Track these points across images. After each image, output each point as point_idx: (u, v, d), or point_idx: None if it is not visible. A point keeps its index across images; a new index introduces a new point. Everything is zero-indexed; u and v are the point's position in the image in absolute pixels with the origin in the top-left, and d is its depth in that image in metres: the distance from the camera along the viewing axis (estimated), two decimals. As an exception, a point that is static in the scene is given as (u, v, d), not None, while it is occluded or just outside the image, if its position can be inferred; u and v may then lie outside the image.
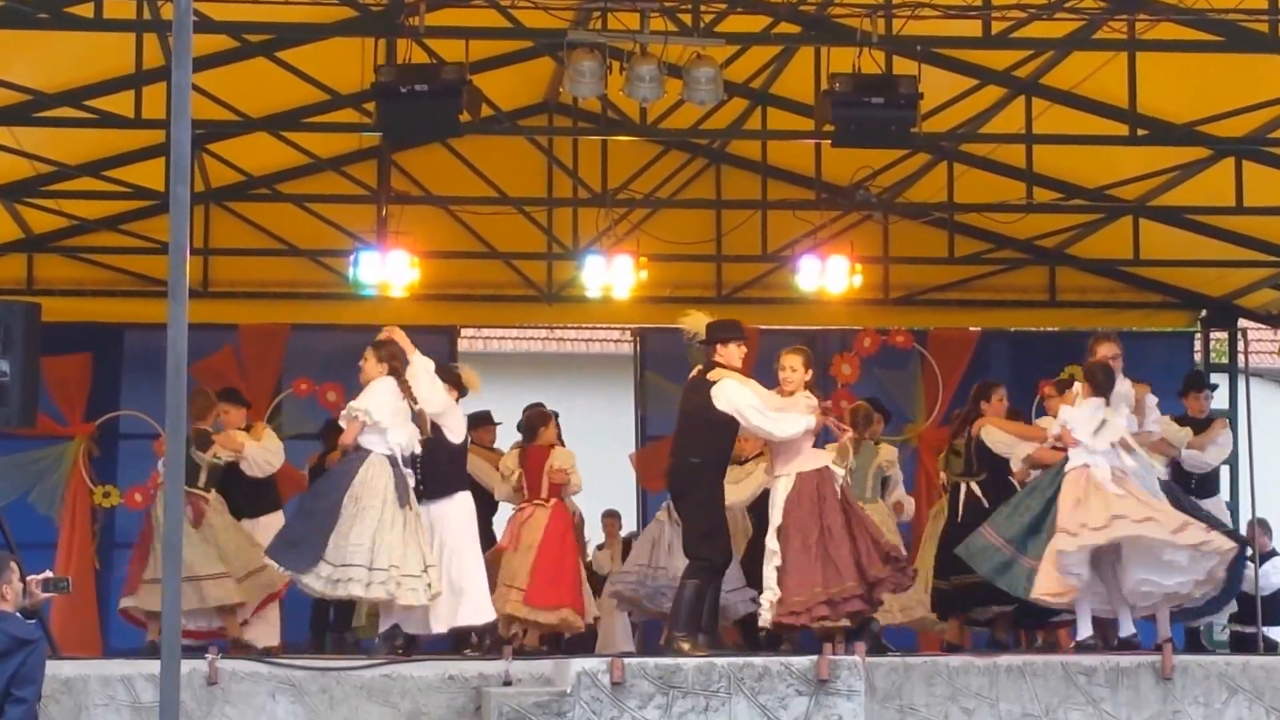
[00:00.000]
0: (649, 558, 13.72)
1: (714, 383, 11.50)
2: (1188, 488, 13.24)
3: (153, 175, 14.60)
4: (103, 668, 10.75)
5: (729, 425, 11.48)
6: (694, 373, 11.77)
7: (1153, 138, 13.91)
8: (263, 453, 13.31)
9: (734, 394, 11.44)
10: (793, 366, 11.70)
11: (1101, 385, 12.09)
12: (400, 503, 11.44)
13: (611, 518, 17.32)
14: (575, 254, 16.11)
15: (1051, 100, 13.97)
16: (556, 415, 13.91)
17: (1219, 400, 14.98)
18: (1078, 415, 12.01)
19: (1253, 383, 18.00)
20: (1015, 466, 13.15)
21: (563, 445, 13.72)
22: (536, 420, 13.70)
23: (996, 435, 13.17)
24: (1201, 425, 13.93)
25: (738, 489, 12.84)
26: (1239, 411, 16.77)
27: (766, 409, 11.48)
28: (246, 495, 13.37)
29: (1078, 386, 12.29)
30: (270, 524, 13.12)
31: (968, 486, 13.32)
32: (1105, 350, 12.44)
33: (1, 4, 11.73)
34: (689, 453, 11.56)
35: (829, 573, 11.29)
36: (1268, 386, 23.91)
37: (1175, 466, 13.53)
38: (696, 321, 11.74)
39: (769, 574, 11.38)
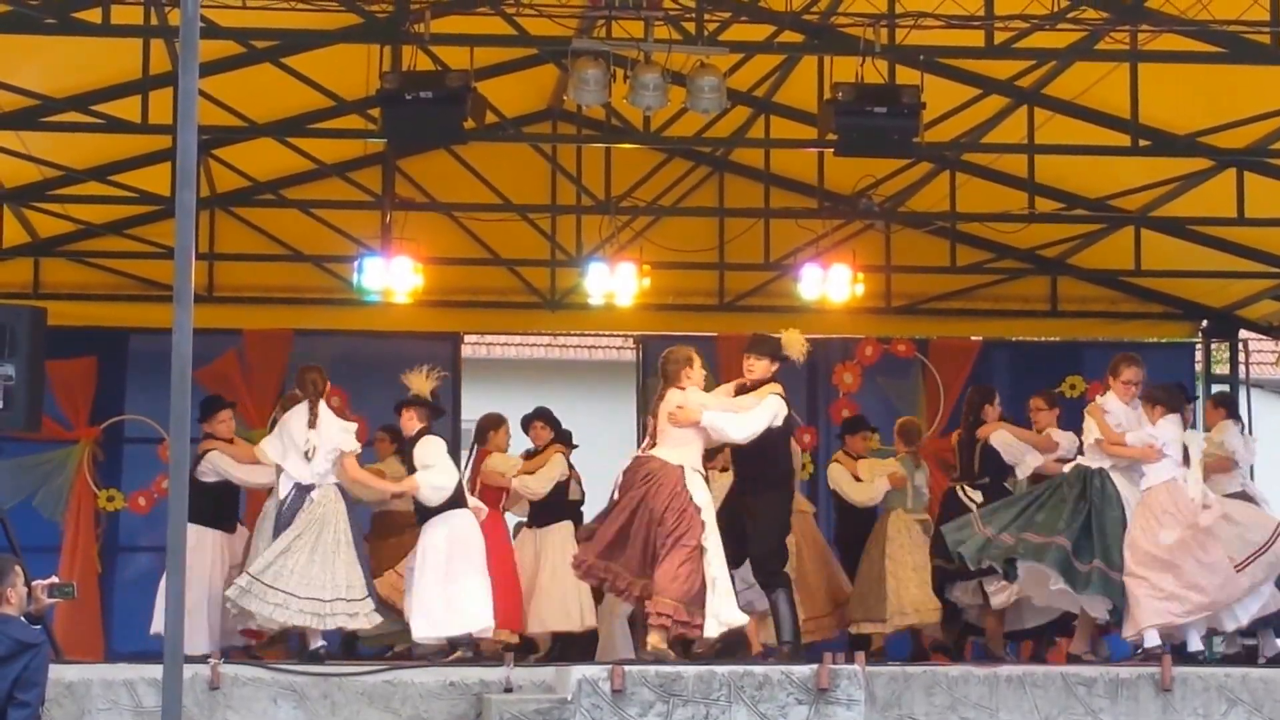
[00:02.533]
0: None
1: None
2: None
3: (159, 180, 14.63)
4: (105, 672, 10.79)
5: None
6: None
7: (1155, 148, 13.93)
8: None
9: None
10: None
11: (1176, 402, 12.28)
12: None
13: None
14: (578, 261, 16.14)
15: (1054, 110, 13.99)
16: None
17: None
18: (1168, 433, 12.13)
19: (1254, 394, 18.10)
20: (1021, 474, 13.19)
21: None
22: (484, 424, 13.73)
23: (1008, 439, 13.22)
24: None
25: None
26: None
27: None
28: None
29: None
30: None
31: (962, 490, 13.41)
32: (1131, 374, 12.49)
33: (9, 9, 11.76)
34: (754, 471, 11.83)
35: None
36: (1269, 397, 23.93)
37: None
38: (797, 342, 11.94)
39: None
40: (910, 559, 13.93)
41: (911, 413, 16.15)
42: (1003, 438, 13.29)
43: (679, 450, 11.41)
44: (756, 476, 11.95)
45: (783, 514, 12.09)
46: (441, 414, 12.57)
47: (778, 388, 11.79)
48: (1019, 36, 12.24)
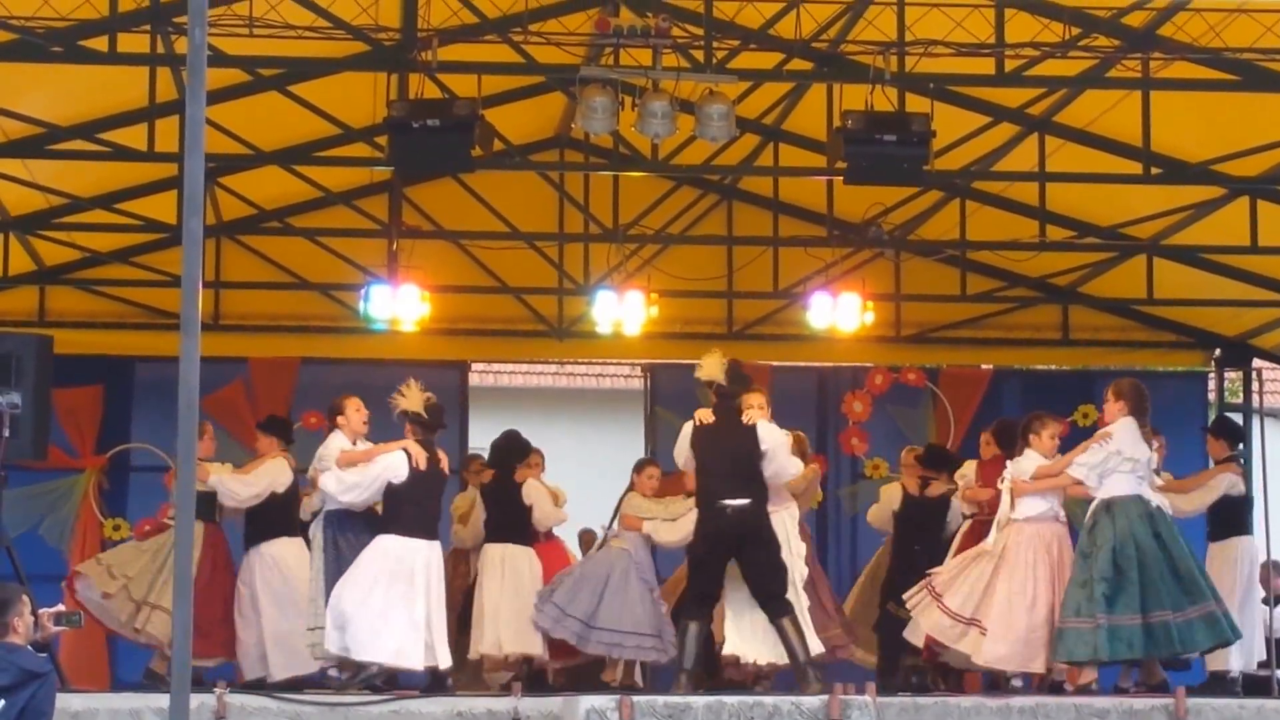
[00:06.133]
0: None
1: (754, 424, 12.13)
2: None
3: (165, 208, 14.60)
4: (111, 701, 10.75)
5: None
6: (717, 418, 12.07)
7: (1167, 176, 13.88)
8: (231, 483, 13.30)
9: (774, 434, 12.18)
10: (759, 405, 12.29)
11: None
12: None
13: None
14: (586, 290, 16.10)
15: (1065, 138, 13.95)
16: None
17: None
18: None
19: (1267, 423, 17.99)
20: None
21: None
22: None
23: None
24: None
25: (672, 528, 12.96)
26: (1253, 452, 16.71)
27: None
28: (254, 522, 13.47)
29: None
30: (275, 550, 13.24)
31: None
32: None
33: (16, 37, 11.74)
34: (751, 494, 11.99)
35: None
36: (1282, 427, 23.86)
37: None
38: (714, 368, 11.99)
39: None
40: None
41: (921, 442, 16.07)
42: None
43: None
44: None
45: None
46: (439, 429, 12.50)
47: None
48: (1030, 64, 12.21)
